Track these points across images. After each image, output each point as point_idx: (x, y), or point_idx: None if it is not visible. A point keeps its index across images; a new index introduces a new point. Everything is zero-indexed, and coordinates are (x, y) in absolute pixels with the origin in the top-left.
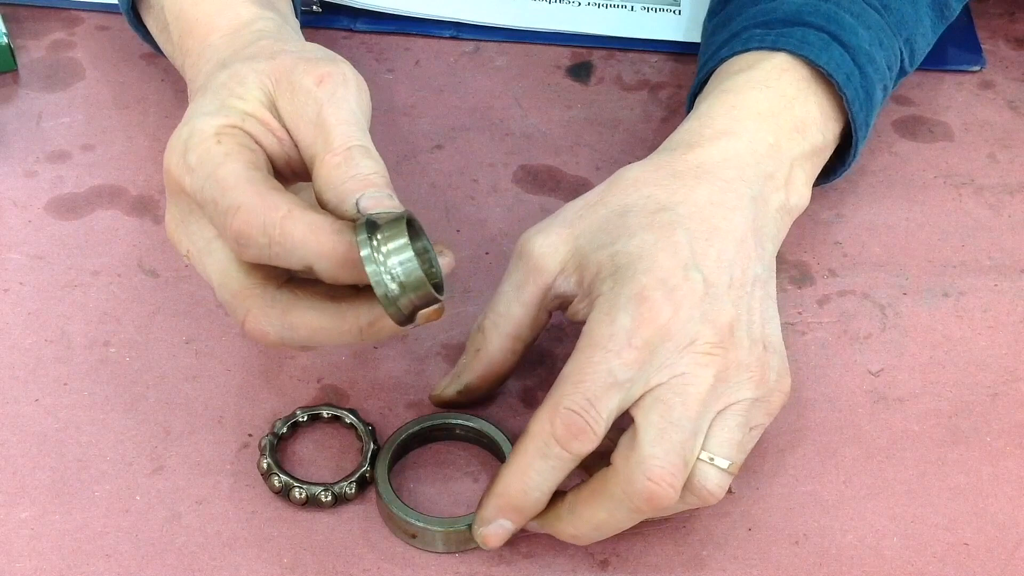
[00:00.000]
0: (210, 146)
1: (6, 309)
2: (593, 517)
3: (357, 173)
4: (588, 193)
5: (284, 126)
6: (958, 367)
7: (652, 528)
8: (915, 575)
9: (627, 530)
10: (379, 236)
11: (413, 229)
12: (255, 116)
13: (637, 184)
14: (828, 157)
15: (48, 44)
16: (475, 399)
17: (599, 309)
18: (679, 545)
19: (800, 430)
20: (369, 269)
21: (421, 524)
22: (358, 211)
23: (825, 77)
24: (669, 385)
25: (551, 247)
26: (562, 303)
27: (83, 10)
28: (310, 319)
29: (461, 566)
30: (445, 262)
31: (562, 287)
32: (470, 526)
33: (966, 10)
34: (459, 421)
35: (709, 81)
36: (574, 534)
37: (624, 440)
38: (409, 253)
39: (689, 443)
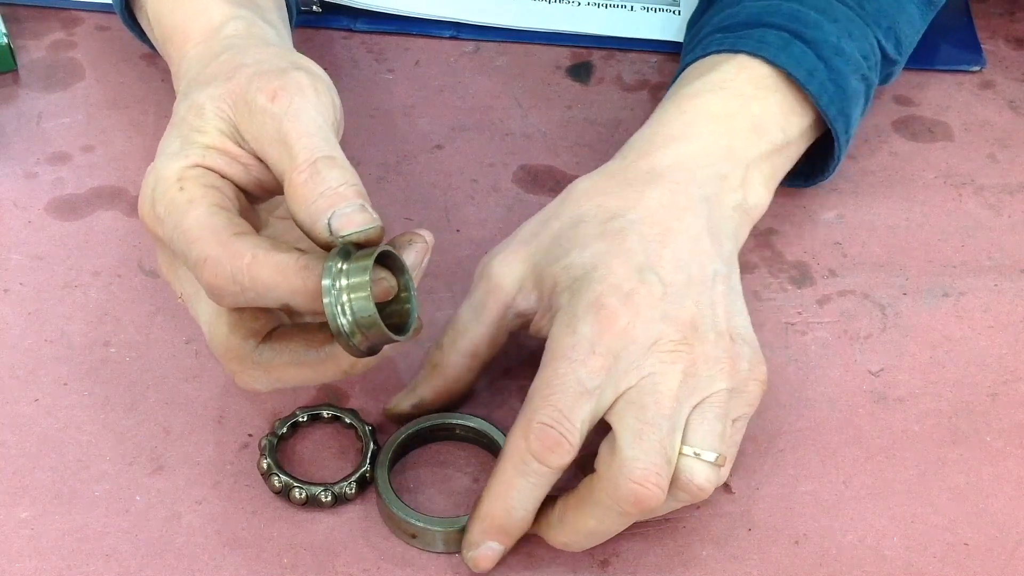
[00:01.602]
0: (174, 195)
1: (6, 309)
2: (583, 525)
3: (325, 189)
4: (542, 210)
5: (250, 149)
6: (958, 367)
7: (652, 528)
8: (915, 575)
9: (627, 530)
10: (343, 269)
11: (392, 264)
12: (217, 148)
13: (589, 194)
14: (795, 154)
15: (48, 44)
16: (431, 412)
17: (559, 322)
18: (679, 545)
19: (800, 430)
20: (325, 302)
21: (421, 524)
22: (330, 232)
23: (787, 75)
24: (639, 387)
25: (508, 266)
26: (524, 322)
27: (83, 10)
28: (293, 373)
29: (461, 566)
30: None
31: (522, 305)
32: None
33: (966, 10)
34: (459, 421)
35: (671, 88)
36: (565, 542)
37: (604, 446)
38: (366, 292)
39: (667, 440)
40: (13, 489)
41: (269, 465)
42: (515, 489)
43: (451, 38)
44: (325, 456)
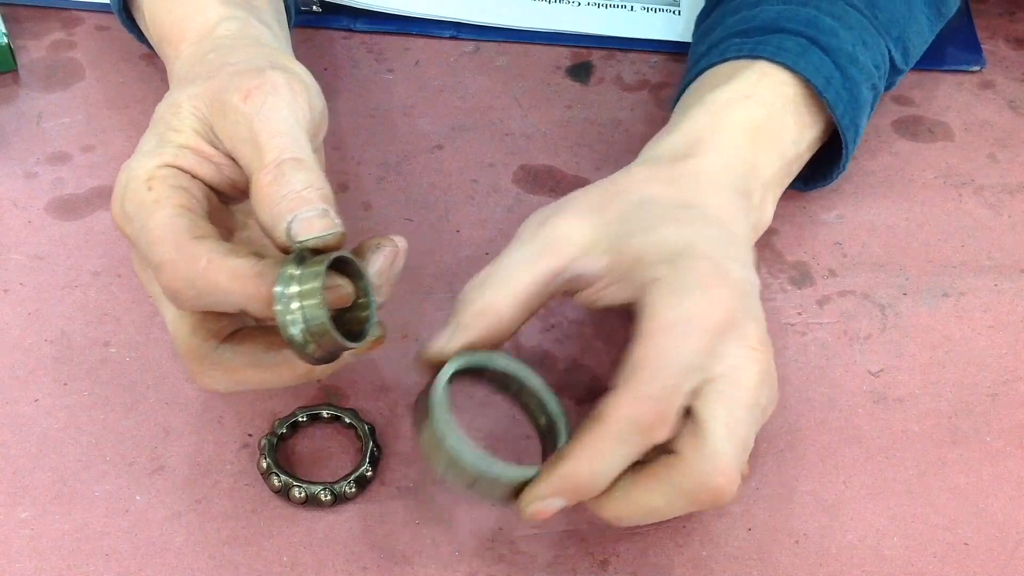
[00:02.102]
0: (143, 195)
1: (6, 309)
2: (647, 503)
3: (288, 191)
4: (598, 184)
5: (224, 149)
6: (958, 367)
7: (652, 528)
8: (915, 575)
9: (626, 530)
10: (295, 275)
11: (348, 269)
12: (191, 148)
13: (649, 181)
14: (800, 166)
15: (48, 44)
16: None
17: (661, 293)
18: (679, 545)
19: (800, 430)
20: (275, 309)
21: (489, 470)
22: (289, 237)
23: (804, 82)
24: (728, 377)
25: (574, 228)
26: (572, 286)
27: (83, 10)
28: (251, 375)
29: (461, 564)
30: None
31: (584, 268)
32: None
33: (966, 10)
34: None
35: (691, 92)
36: (617, 515)
37: (689, 429)
38: (317, 299)
39: (750, 438)
40: (13, 489)
41: (269, 465)
42: (607, 456)
43: (451, 38)
44: (325, 456)
